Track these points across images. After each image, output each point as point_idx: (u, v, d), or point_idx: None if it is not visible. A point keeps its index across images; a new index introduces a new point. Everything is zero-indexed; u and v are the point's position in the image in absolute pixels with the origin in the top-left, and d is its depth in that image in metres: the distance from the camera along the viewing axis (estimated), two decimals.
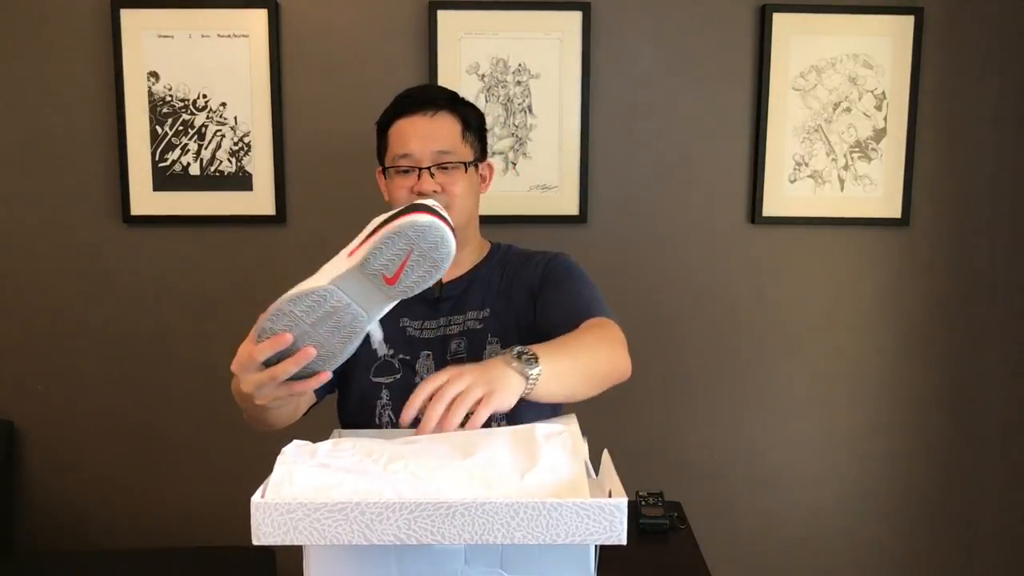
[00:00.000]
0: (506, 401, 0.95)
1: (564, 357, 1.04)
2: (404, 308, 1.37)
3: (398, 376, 1.30)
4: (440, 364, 1.29)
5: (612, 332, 1.17)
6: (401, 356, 1.30)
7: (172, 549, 2.07)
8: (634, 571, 1.35)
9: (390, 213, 0.98)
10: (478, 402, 0.92)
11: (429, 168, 1.27)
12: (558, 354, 1.03)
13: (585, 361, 1.08)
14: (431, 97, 1.32)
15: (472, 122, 1.35)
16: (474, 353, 1.29)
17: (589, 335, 1.15)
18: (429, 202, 1.00)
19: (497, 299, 1.33)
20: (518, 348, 1.00)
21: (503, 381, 0.95)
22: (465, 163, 1.31)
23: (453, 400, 0.92)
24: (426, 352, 1.30)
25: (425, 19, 1.99)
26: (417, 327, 1.32)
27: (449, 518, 0.79)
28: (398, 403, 1.29)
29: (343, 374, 1.28)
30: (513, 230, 1.75)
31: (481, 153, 1.37)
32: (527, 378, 0.97)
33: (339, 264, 0.97)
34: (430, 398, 0.93)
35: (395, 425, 1.32)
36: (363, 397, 1.32)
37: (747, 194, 2.08)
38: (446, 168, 1.29)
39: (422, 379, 1.26)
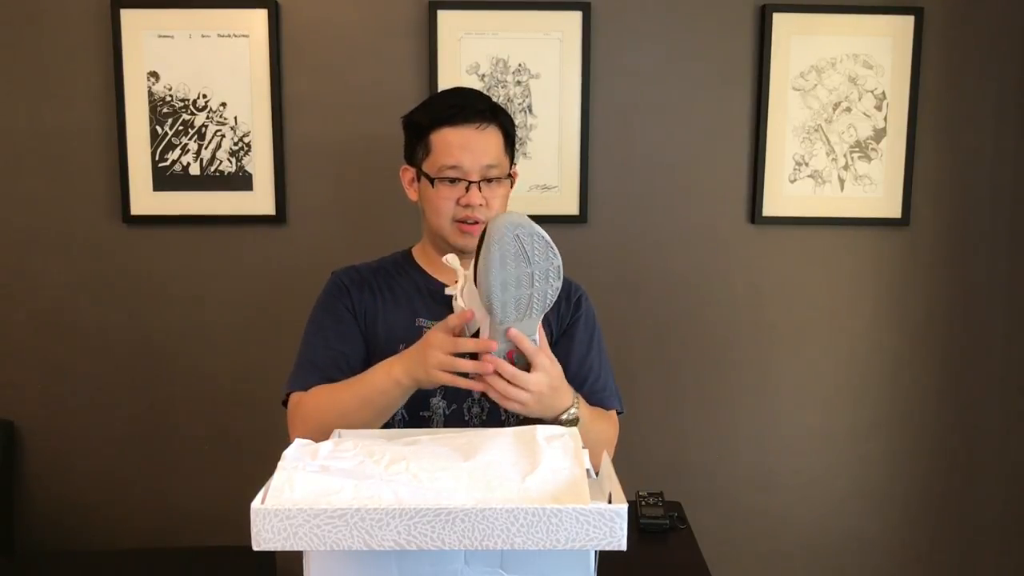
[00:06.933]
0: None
1: (588, 422, 1.25)
2: (420, 307, 1.37)
3: None
4: None
5: (613, 432, 1.37)
6: None
7: (172, 549, 2.07)
8: (634, 571, 1.35)
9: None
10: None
11: (478, 182, 1.31)
12: (588, 419, 1.25)
13: (592, 440, 1.20)
14: (479, 108, 1.33)
15: (510, 132, 1.38)
16: None
17: (603, 427, 1.33)
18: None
19: None
20: (573, 412, 1.20)
21: (548, 412, 1.17)
22: (507, 176, 1.36)
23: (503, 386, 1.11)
24: None
25: (425, 19, 1.99)
26: (431, 327, 1.31)
27: (449, 524, 0.79)
28: (413, 402, 1.29)
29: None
30: None
31: (511, 160, 1.40)
32: (567, 419, 1.20)
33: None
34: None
35: (408, 425, 1.33)
36: None
37: (747, 194, 2.08)
38: (490, 181, 1.32)
39: None
